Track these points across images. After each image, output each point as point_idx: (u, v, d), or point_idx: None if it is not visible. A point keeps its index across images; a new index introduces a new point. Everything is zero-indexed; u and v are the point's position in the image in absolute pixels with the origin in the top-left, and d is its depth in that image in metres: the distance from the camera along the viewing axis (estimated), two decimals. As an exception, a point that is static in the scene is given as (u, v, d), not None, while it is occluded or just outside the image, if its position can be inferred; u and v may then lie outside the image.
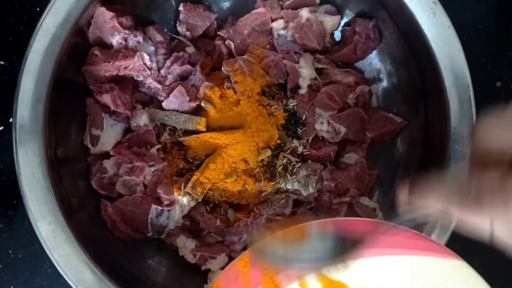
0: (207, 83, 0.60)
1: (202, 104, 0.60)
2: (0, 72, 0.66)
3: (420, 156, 0.62)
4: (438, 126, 0.58)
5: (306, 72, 0.61)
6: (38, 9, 0.66)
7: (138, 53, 0.58)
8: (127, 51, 0.58)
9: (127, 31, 0.58)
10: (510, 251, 0.31)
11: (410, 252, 0.42)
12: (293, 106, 0.61)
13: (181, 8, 0.62)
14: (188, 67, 0.61)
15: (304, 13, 0.60)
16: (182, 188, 0.59)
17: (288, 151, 0.61)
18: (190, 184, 0.58)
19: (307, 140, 0.62)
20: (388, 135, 0.64)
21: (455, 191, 0.31)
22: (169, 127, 0.61)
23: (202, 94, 0.60)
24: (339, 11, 0.63)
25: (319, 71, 0.62)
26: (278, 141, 0.61)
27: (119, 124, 0.61)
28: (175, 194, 0.59)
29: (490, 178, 0.30)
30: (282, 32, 0.61)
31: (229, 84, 0.60)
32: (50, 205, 0.51)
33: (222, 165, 0.59)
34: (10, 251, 0.65)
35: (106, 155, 0.61)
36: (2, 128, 0.65)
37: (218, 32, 0.64)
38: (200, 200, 0.59)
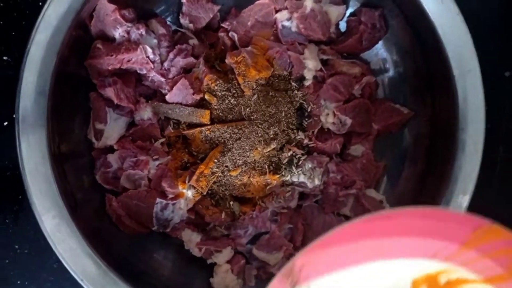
0: (211, 75, 0.59)
1: (206, 97, 0.59)
2: (3, 67, 0.65)
3: (427, 147, 0.61)
4: (445, 117, 0.57)
5: (311, 63, 0.60)
6: (40, 4, 0.65)
7: (141, 46, 0.57)
8: (130, 44, 0.58)
9: (129, 24, 0.58)
10: None
11: None
12: (298, 98, 0.61)
13: (183, 0, 0.61)
14: (191, 59, 0.60)
15: (309, 3, 0.59)
16: (186, 182, 0.58)
17: (294, 143, 0.61)
18: (194, 178, 0.58)
19: (313, 132, 0.61)
20: (395, 126, 0.63)
21: None
22: (173, 121, 0.61)
23: (205, 87, 0.59)
24: (344, 1, 0.62)
25: (324, 62, 0.62)
26: (283, 133, 0.60)
27: (123, 118, 0.60)
28: (180, 187, 0.58)
29: None
30: (286, 23, 0.61)
31: (233, 76, 0.60)
32: (54, 199, 0.51)
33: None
34: (17, 247, 0.65)
35: (110, 149, 0.60)
36: (6, 123, 0.65)
37: (221, 24, 0.63)
38: (205, 193, 0.59)
